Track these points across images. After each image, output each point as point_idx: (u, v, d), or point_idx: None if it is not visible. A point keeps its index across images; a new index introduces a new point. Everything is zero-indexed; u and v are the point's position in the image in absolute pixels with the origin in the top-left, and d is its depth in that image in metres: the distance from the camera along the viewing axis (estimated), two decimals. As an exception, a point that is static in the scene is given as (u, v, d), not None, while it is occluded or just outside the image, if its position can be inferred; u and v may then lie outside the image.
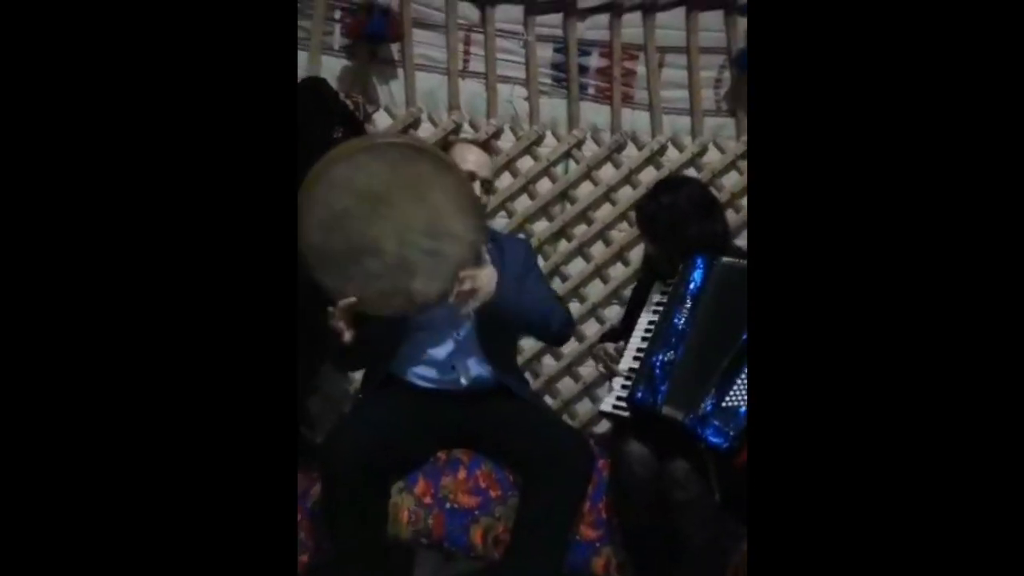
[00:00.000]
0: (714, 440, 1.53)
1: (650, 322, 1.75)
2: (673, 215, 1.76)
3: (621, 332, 1.87)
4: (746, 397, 1.54)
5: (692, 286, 1.68)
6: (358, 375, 1.99)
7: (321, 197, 1.48)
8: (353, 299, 1.55)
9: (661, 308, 1.73)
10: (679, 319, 1.66)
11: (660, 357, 1.64)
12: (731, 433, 1.52)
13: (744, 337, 1.55)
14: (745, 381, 1.55)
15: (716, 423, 1.54)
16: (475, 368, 1.73)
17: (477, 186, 1.76)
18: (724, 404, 1.55)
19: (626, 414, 1.67)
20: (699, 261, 1.70)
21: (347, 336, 1.57)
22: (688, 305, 1.67)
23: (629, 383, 1.69)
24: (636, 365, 1.70)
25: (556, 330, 1.78)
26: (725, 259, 1.70)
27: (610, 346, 1.78)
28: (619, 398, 1.70)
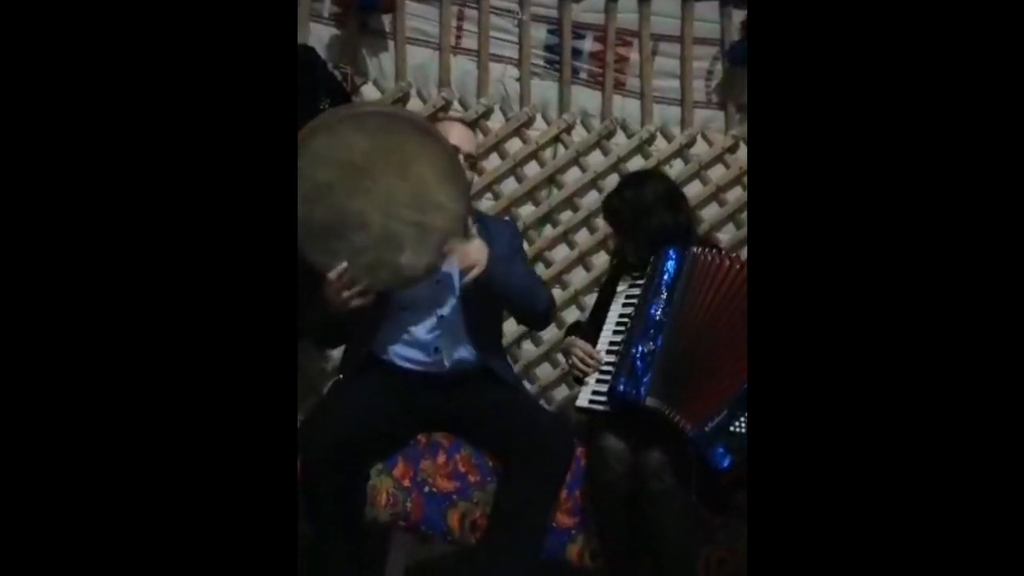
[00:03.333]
0: (715, 463, 1.54)
1: (621, 315, 1.75)
2: (638, 208, 1.80)
3: (588, 326, 1.87)
4: None
5: (666, 277, 1.69)
6: (336, 353, 1.97)
7: (303, 169, 1.45)
8: (344, 265, 1.51)
9: (633, 301, 1.74)
10: (655, 310, 1.67)
11: (640, 348, 1.64)
12: (735, 459, 1.53)
13: None
14: None
15: (721, 448, 1.55)
16: (459, 350, 1.71)
17: (461, 161, 1.73)
18: (732, 429, 1.55)
19: (604, 408, 1.67)
20: (671, 252, 1.71)
21: (358, 302, 1.54)
22: (664, 296, 1.68)
23: (607, 377, 1.68)
24: (612, 359, 1.70)
25: (542, 310, 1.79)
26: (695, 249, 1.72)
27: (580, 343, 1.76)
28: (595, 392, 1.69)
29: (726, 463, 1.54)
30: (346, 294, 1.53)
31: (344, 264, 1.51)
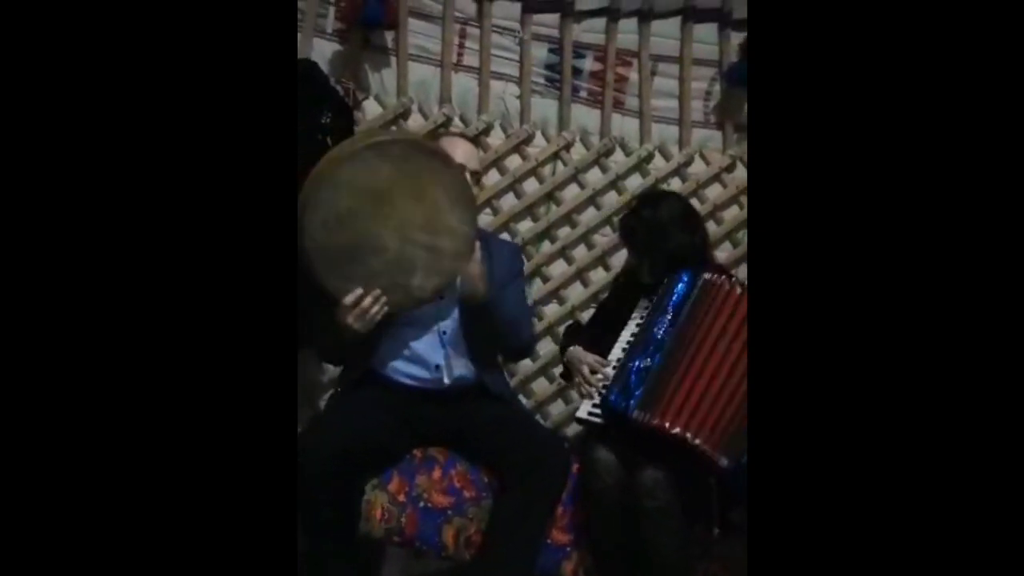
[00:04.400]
0: (744, 495, 1.54)
1: (632, 334, 1.76)
2: (654, 228, 1.81)
3: (585, 331, 1.88)
4: None
5: (675, 298, 1.71)
6: (333, 367, 1.97)
7: (325, 197, 1.47)
8: (360, 291, 1.52)
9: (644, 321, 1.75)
10: (658, 329, 1.69)
11: (637, 363, 1.66)
12: None
13: None
14: None
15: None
16: (458, 367, 1.71)
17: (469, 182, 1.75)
18: None
19: (601, 421, 1.68)
20: (684, 275, 1.73)
21: (367, 325, 1.54)
22: (668, 316, 1.70)
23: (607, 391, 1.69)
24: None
25: (523, 345, 1.81)
26: (708, 275, 1.73)
27: (591, 355, 1.77)
28: (595, 405, 1.71)
29: None
30: (365, 317, 1.53)
31: (359, 291, 1.52)
